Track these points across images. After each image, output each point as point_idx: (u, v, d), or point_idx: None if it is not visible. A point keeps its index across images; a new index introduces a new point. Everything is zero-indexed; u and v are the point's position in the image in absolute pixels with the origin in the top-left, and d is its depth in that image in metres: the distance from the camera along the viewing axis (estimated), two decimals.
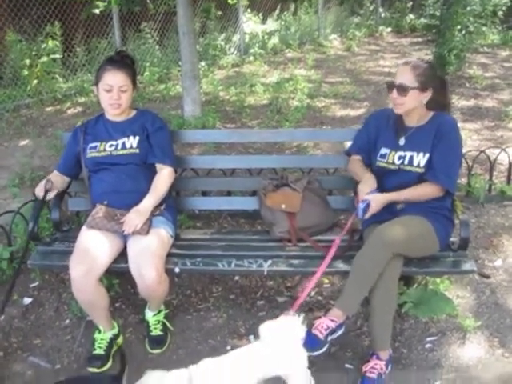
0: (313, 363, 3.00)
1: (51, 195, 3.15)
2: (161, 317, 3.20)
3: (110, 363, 3.06)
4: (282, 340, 2.57)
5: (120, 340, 3.19)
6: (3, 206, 4.13)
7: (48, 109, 7.48)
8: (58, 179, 3.23)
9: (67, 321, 3.46)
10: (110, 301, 3.15)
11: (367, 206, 3.00)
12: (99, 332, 3.11)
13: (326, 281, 3.73)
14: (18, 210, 3.88)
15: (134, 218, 2.95)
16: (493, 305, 3.47)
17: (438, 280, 3.50)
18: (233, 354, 2.58)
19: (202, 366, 2.49)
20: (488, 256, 3.94)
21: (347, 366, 3.06)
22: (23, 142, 6.11)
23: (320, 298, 3.60)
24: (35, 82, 7.65)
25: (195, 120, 6.08)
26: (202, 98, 6.70)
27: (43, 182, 3.12)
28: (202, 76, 8.28)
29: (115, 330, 3.15)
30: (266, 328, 2.61)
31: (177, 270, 3.02)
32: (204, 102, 6.89)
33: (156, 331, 3.18)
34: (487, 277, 3.73)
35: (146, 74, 8.66)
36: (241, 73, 9.54)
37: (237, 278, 3.75)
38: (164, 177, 3.14)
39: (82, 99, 7.81)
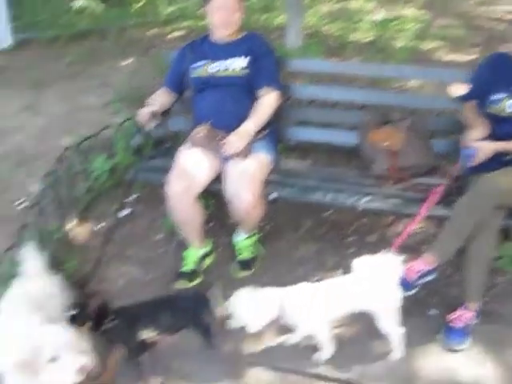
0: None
1: (153, 124, 3.18)
2: (251, 240, 3.24)
3: (198, 281, 3.16)
4: (378, 276, 2.55)
5: (211, 258, 3.26)
6: (106, 121, 4.24)
7: (151, 31, 7.52)
8: (163, 95, 3.27)
9: (161, 235, 3.58)
10: (204, 219, 3.21)
11: (473, 153, 2.86)
12: (190, 249, 3.18)
13: (420, 225, 3.63)
14: (121, 124, 3.98)
15: (235, 140, 2.95)
16: None
17: None
18: (327, 283, 2.59)
19: (295, 288, 2.52)
20: None
21: (432, 312, 3.00)
22: (127, 62, 6.20)
23: (412, 242, 3.52)
24: (140, 3, 7.69)
25: (297, 52, 5.94)
26: (304, 30, 6.53)
27: (148, 109, 3.16)
28: (307, 8, 8.05)
29: (207, 249, 3.22)
30: (363, 262, 2.58)
31: (273, 196, 3.02)
32: (306, 35, 6.71)
33: (245, 254, 3.23)
34: None
35: (251, 1, 8.51)
36: (346, 8, 9.19)
37: (329, 212, 3.72)
38: (269, 100, 3.10)
39: (185, 23, 7.80)
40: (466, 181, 3.01)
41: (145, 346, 2.53)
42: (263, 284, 3.08)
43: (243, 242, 3.23)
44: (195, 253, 3.15)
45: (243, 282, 3.11)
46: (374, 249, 3.36)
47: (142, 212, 3.77)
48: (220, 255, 3.39)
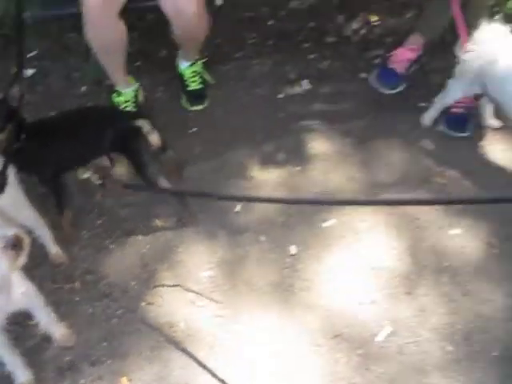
0: (381, 106, 2.61)
1: None
2: (198, 67, 2.69)
3: None
4: None
5: (141, 94, 2.73)
6: None
7: None
8: None
9: (83, 88, 2.93)
10: (129, 60, 2.60)
11: None
12: (119, 94, 2.64)
13: (375, 18, 3.17)
14: None
15: None
16: None
17: None
18: None
19: None
20: None
21: (421, 104, 2.64)
22: None
23: (371, 36, 3.08)
24: None
25: None
26: None
27: None
28: None
29: (135, 85, 2.69)
30: None
31: (219, 1, 2.43)
32: None
33: (194, 85, 2.69)
34: None
35: None
36: None
37: (271, 21, 3.17)
38: None
39: None
40: None
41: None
42: (223, 114, 2.65)
43: (188, 70, 2.67)
44: (126, 96, 2.64)
45: (199, 117, 2.65)
46: (336, 48, 2.95)
47: (52, 67, 3.05)
48: (164, 93, 2.83)
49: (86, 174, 2.01)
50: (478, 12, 2.30)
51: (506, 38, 2.07)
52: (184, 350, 1.81)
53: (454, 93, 2.35)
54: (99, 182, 1.95)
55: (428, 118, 2.48)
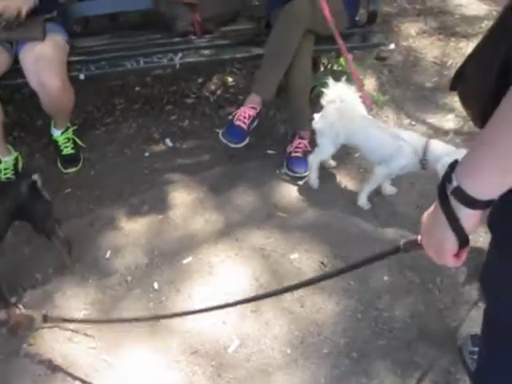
0: (234, 156, 3.02)
1: None
2: (69, 134, 2.99)
3: None
4: None
5: (20, 163, 2.98)
6: None
7: None
8: None
9: None
10: (7, 130, 2.90)
11: None
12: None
13: (230, 79, 3.64)
14: None
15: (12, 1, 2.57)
16: (394, 82, 3.62)
17: (343, 61, 3.48)
18: None
19: None
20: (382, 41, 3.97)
21: (269, 152, 3.08)
22: None
23: (227, 95, 3.53)
24: None
25: None
26: None
27: None
28: None
29: (15, 154, 2.93)
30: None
31: (82, 76, 2.77)
32: None
33: (67, 150, 2.99)
34: (384, 59, 3.81)
35: None
36: None
37: (138, 88, 3.56)
38: None
39: None
40: (271, 18, 3.00)
41: None
42: (94, 175, 2.96)
43: (61, 137, 2.97)
44: (6, 164, 2.87)
45: (74, 179, 2.95)
46: (195, 108, 3.36)
47: None
48: (40, 159, 3.10)
49: None
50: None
51: (352, 96, 2.57)
52: (62, 379, 2.07)
53: (328, 149, 2.75)
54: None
55: (312, 180, 2.83)
